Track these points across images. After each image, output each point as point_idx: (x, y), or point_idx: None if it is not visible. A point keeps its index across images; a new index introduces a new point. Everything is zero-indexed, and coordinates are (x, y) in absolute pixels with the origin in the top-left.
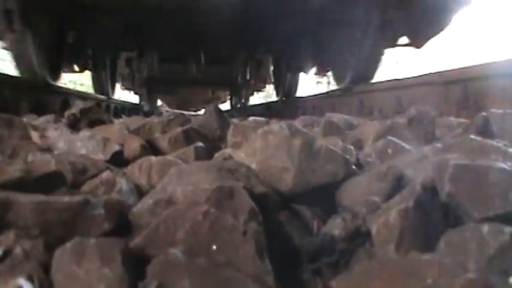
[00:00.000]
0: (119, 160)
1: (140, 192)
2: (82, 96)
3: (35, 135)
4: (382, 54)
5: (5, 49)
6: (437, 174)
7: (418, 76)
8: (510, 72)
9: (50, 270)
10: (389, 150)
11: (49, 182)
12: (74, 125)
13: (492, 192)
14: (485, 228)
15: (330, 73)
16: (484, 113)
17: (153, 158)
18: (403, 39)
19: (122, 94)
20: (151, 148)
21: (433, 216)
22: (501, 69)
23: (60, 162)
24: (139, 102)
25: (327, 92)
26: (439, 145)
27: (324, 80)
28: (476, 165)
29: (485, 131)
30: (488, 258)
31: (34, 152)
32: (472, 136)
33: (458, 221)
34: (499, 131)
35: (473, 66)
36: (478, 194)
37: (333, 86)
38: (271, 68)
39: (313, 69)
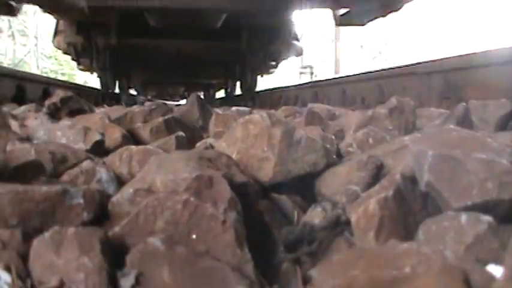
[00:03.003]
0: (99, 149)
1: (120, 182)
2: (63, 85)
3: (14, 125)
4: None
5: None
6: (416, 163)
7: (400, 66)
8: (490, 63)
9: (28, 260)
10: (370, 140)
11: (28, 172)
12: (55, 114)
13: (470, 182)
14: (463, 217)
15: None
16: (464, 104)
17: (133, 147)
18: None
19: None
20: (132, 138)
21: (412, 206)
22: (482, 60)
23: (40, 152)
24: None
25: (310, 82)
26: (418, 135)
27: (307, 70)
28: (455, 155)
29: (465, 121)
30: (466, 246)
31: (13, 142)
32: (452, 126)
33: (437, 210)
34: (478, 121)
35: (455, 57)
36: (456, 184)
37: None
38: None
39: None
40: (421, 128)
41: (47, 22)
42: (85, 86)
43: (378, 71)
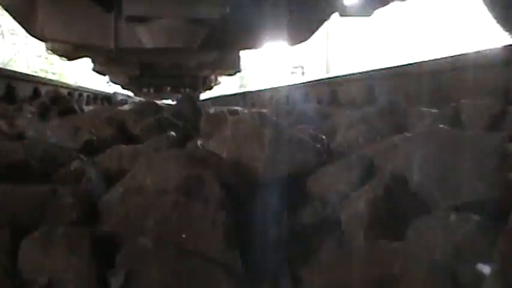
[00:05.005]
0: (89, 149)
1: (110, 181)
2: (53, 84)
3: (3, 124)
4: None
5: None
6: (406, 163)
7: (391, 67)
8: (481, 64)
9: (16, 260)
10: (360, 140)
11: (17, 171)
12: (44, 114)
13: (460, 181)
14: (453, 216)
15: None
16: (454, 104)
17: (123, 146)
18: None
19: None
20: (123, 137)
21: (402, 205)
22: (472, 60)
23: (30, 151)
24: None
25: (301, 83)
26: (409, 135)
27: (299, 70)
28: (445, 155)
29: (455, 121)
30: (455, 245)
31: (2, 141)
32: (441, 126)
33: (427, 209)
34: (468, 121)
35: (446, 57)
36: (446, 183)
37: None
38: None
39: None
40: (412, 127)
41: None
42: (76, 86)
43: (368, 71)
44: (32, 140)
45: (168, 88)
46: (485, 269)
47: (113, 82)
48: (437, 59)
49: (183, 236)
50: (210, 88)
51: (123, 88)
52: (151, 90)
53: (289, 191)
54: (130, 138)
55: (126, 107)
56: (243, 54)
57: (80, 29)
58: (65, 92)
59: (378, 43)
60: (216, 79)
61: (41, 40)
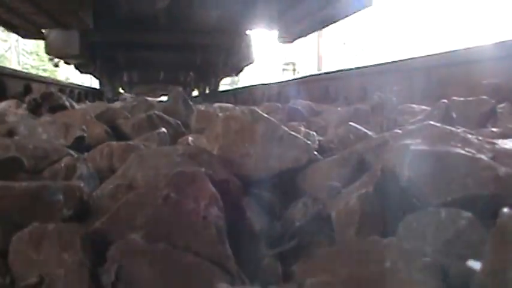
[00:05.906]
0: (81, 146)
1: (101, 178)
2: (44, 81)
3: None
4: None
5: None
6: (397, 159)
7: (383, 63)
8: (472, 60)
9: (7, 257)
10: (351, 136)
11: (8, 168)
12: (35, 110)
13: (450, 178)
14: (443, 212)
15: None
16: (445, 100)
17: (114, 143)
18: None
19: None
20: (114, 134)
21: (393, 201)
22: (463, 57)
23: (20, 148)
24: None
25: (293, 79)
26: (400, 131)
27: (290, 66)
28: (436, 151)
29: (446, 117)
30: (446, 242)
31: None
32: (432, 122)
33: (418, 205)
34: (460, 118)
35: (437, 54)
36: (436, 179)
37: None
38: None
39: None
40: (403, 124)
41: None
42: (67, 83)
43: (360, 67)
44: (23, 136)
45: (161, 74)
46: (476, 265)
47: (59, 57)
48: (430, 55)
49: (174, 232)
50: (240, 71)
51: (81, 71)
52: (134, 78)
53: (281, 188)
54: (121, 135)
55: (117, 104)
56: None
57: None
58: (56, 88)
59: (370, 40)
60: (241, 60)
61: None
